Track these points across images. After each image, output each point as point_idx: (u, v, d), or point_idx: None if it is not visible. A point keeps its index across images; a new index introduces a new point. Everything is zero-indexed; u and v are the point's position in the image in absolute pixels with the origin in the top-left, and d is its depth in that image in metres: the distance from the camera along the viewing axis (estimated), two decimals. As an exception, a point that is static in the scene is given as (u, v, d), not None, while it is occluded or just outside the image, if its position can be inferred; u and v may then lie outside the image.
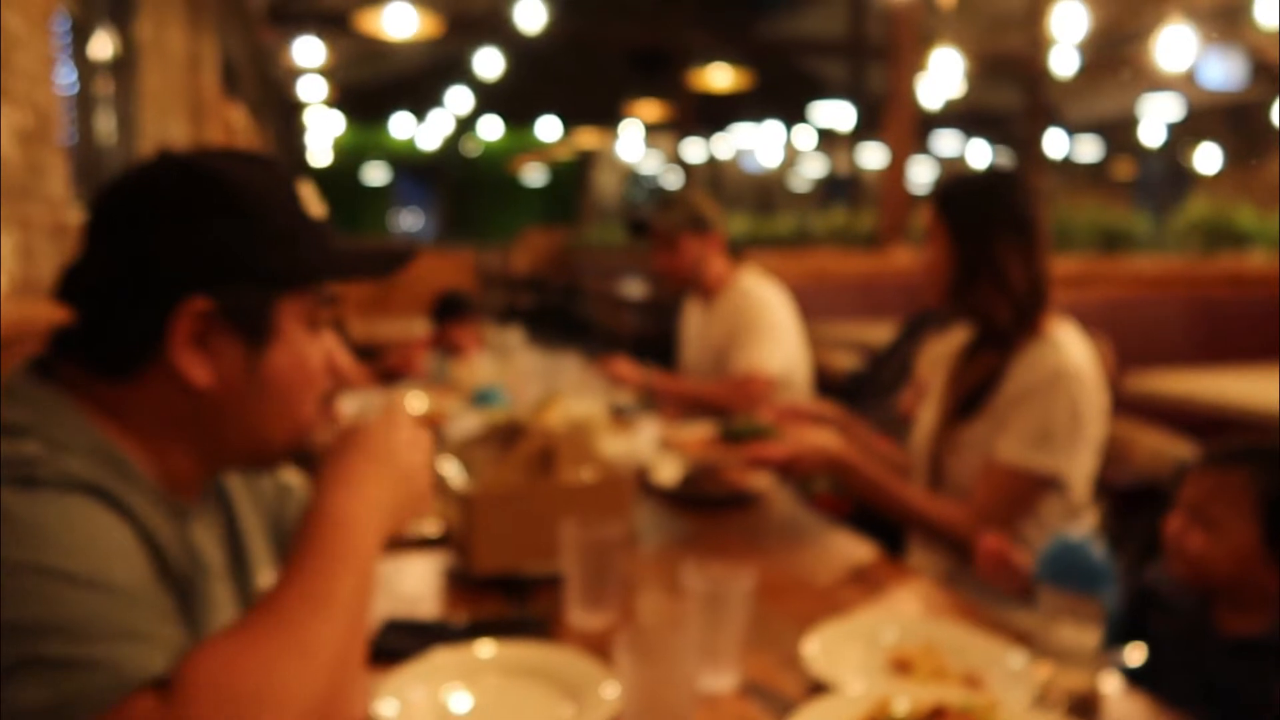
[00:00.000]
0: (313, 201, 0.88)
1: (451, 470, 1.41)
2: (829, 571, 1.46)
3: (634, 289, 9.85)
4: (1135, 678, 1.14)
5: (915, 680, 1.03)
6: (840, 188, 23.09)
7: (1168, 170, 17.55)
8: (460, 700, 1.00)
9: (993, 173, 1.74)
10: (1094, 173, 18.35)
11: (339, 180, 20.81)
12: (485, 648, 1.08)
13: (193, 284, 0.78)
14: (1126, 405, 2.81)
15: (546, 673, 1.04)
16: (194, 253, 0.78)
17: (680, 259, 2.61)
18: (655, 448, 1.95)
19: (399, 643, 1.11)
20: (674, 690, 0.88)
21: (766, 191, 22.11)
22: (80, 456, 0.73)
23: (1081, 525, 1.62)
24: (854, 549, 1.54)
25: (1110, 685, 1.06)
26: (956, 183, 1.70)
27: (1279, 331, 3.32)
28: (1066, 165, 19.16)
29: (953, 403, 1.66)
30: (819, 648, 1.09)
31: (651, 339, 10.51)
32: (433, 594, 1.34)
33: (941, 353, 1.81)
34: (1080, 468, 1.57)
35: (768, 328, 2.55)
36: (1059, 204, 9.57)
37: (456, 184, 21.72)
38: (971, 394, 1.62)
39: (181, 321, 0.77)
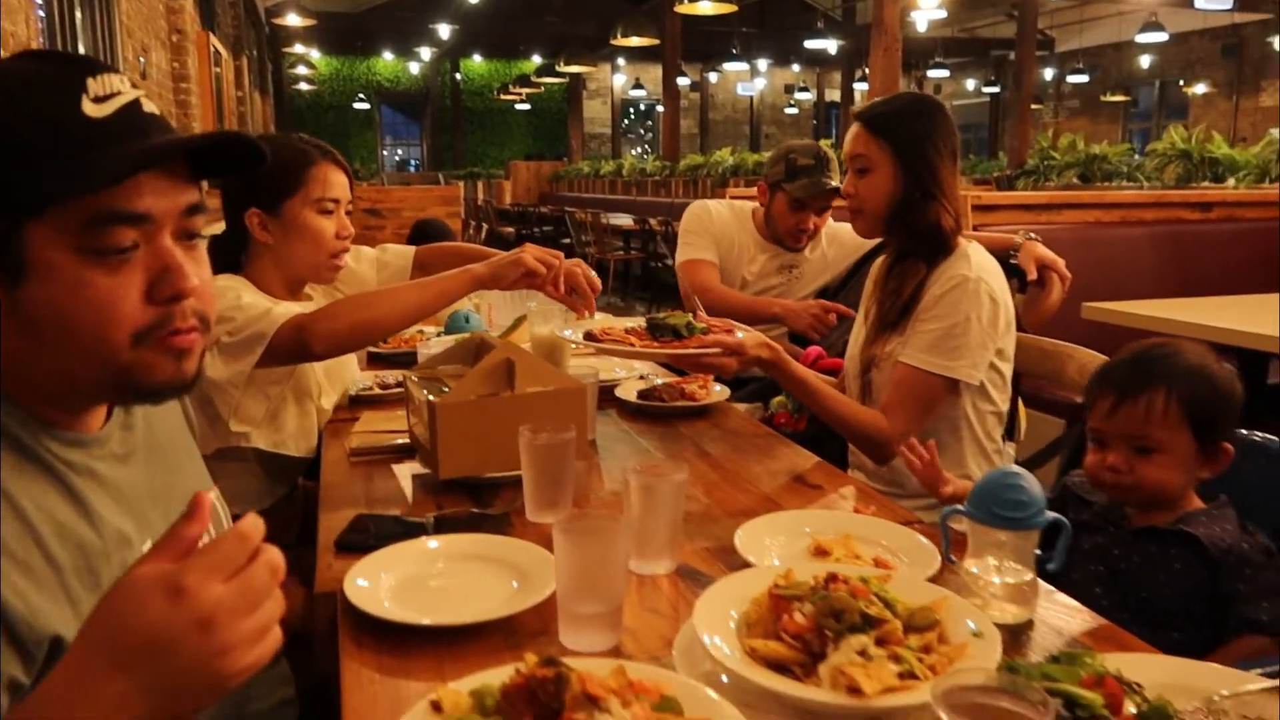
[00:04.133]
0: (108, 96, 0.78)
1: (414, 386, 1.51)
2: (773, 477, 1.57)
3: (621, 219, 9.86)
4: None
5: (829, 563, 1.15)
6: (830, 118, 22.79)
7: (1161, 98, 17.42)
8: (420, 579, 1.12)
9: (918, 97, 1.80)
10: (1086, 101, 18.20)
11: (323, 113, 20.54)
12: (446, 539, 1.20)
13: None
14: (1082, 330, 2.90)
15: (499, 558, 1.15)
16: None
17: None
18: (567, 327, 1.78)
19: (368, 535, 1.23)
20: (605, 568, 0.98)
21: (755, 121, 21.88)
22: None
23: (1005, 447, 1.73)
24: (799, 460, 1.65)
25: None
26: (890, 109, 1.75)
27: (1245, 260, 3.40)
28: (1058, 94, 18.98)
29: (878, 318, 1.75)
30: (747, 537, 1.21)
31: (637, 268, 10.53)
32: (402, 497, 1.45)
33: (873, 272, 1.88)
34: (982, 372, 1.67)
35: None
36: (1048, 134, 9.55)
37: (443, 116, 21.45)
38: (897, 308, 1.71)
39: None
